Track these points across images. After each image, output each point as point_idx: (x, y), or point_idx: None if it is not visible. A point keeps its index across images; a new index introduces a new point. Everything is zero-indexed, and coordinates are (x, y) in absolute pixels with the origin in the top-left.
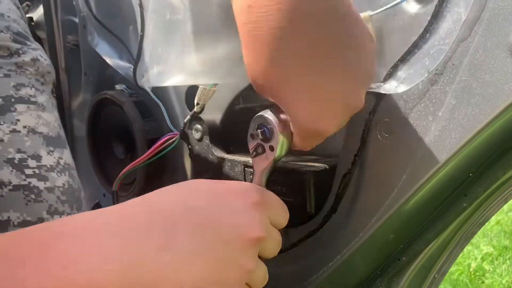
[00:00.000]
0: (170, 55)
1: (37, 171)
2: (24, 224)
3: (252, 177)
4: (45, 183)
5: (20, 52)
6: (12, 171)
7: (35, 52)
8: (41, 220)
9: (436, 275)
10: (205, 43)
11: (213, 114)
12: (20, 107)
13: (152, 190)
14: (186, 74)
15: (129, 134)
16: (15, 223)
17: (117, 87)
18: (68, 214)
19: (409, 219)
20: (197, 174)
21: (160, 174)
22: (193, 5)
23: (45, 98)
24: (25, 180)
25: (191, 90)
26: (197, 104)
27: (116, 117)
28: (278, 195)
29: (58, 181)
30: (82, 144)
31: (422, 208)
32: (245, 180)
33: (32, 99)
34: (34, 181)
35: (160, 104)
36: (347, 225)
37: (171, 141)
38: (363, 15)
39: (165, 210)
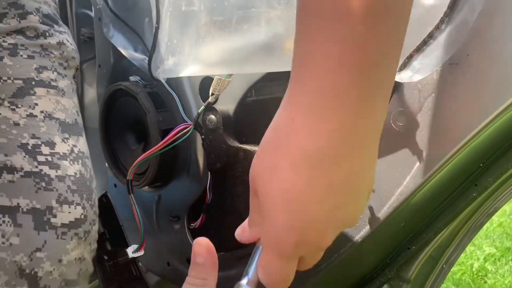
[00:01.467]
0: (185, 46)
1: (49, 158)
2: (33, 211)
3: None
4: (56, 172)
5: (47, 34)
6: (25, 157)
7: (62, 35)
8: (50, 208)
9: (444, 266)
10: (220, 34)
11: (227, 105)
12: (39, 90)
13: (164, 180)
14: (201, 65)
15: (143, 125)
16: (24, 210)
17: (131, 78)
18: (78, 204)
19: (420, 208)
20: (210, 164)
21: (172, 163)
22: None
23: (66, 83)
24: (37, 167)
25: (205, 81)
26: (212, 94)
27: (130, 108)
28: None
29: (70, 170)
30: (94, 135)
31: (433, 197)
32: None
33: (53, 83)
34: (45, 169)
35: (174, 94)
36: None
37: (184, 131)
38: None
39: None
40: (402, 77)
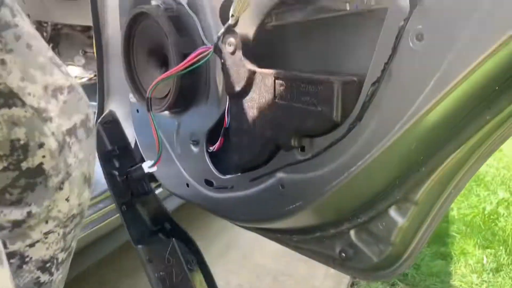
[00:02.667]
0: None
1: None
2: None
3: None
4: None
5: None
6: None
7: None
8: None
9: (452, 190)
10: None
11: (246, 29)
12: None
13: (184, 105)
14: None
15: (164, 49)
16: None
17: (153, 2)
18: None
19: (433, 128)
20: (228, 87)
21: (192, 88)
22: None
23: None
24: None
25: (226, 4)
26: (232, 16)
27: (151, 32)
28: (307, 105)
29: None
30: (118, 61)
31: (446, 118)
32: (274, 92)
33: None
34: None
35: (195, 17)
36: (370, 132)
37: (205, 53)
38: None
39: None
40: None
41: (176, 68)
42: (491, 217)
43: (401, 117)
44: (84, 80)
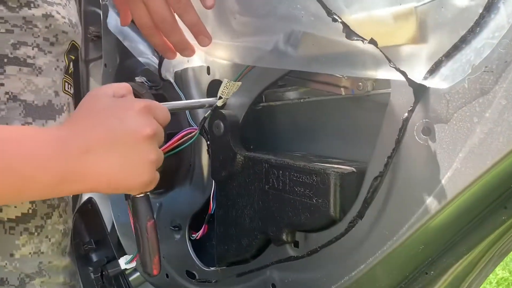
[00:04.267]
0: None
1: None
2: None
3: None
4: None
5: (32, 5)
6: None
7: (51, 7)
8: None
9: None
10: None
11: (235, 111)
12: (10, 69)
13: (167, 184)
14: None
15: None
16: None
17: (137, 79)
18: None
19: (442, 230)
20: (214, 172)
21: (175, 170)
22: None
23: (47, 60)
24: None
25: (213, 84)
26: (220, 98)
27: None
28: (301, 197)
29: None
30: None
31: (457, 219)
32: (265, 181)
33: (29, 61)
34: None
35: (182, 95)
36: (374, 232)
37: (189, 136)
38: (406, 7)
39: (82, 127)
40: (428, 83)
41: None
42: None
43: (408, 218)
44: None
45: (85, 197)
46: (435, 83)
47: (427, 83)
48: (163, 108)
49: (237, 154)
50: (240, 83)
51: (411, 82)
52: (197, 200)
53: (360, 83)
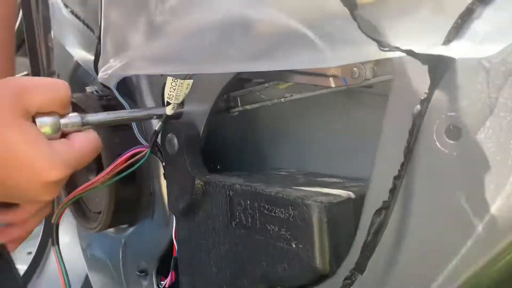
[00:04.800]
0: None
1: None
2: None
3: None
4: None
5: None
6: None
7: None
8: None
9: None
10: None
11: (192, 120)
12: None
13: (129, 219)
14: (153, 61)
15: None
16: None
17: (88, 89)
18: None
19: None
20: (171, 202)
21: (137, 198)
22: None
23: None
24: None
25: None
26: (167, 103)
27: None
28: (276, 240)
29: None
30: None
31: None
32: (231, 216)
33: None
34: None
35: (126, 105)
36: None
37: (140, 155)
38: None
39: None
40: (454, 51)
41: (99, 177)
42: None
43: (434, 275)
44: None
45: None
46: (466, 50)
47: (449, 51)
48: (40, 86)
49: (195, 178)
50: (191, 80)
51: (423, 56)
52: (162, 239)
53: (355, 68)
